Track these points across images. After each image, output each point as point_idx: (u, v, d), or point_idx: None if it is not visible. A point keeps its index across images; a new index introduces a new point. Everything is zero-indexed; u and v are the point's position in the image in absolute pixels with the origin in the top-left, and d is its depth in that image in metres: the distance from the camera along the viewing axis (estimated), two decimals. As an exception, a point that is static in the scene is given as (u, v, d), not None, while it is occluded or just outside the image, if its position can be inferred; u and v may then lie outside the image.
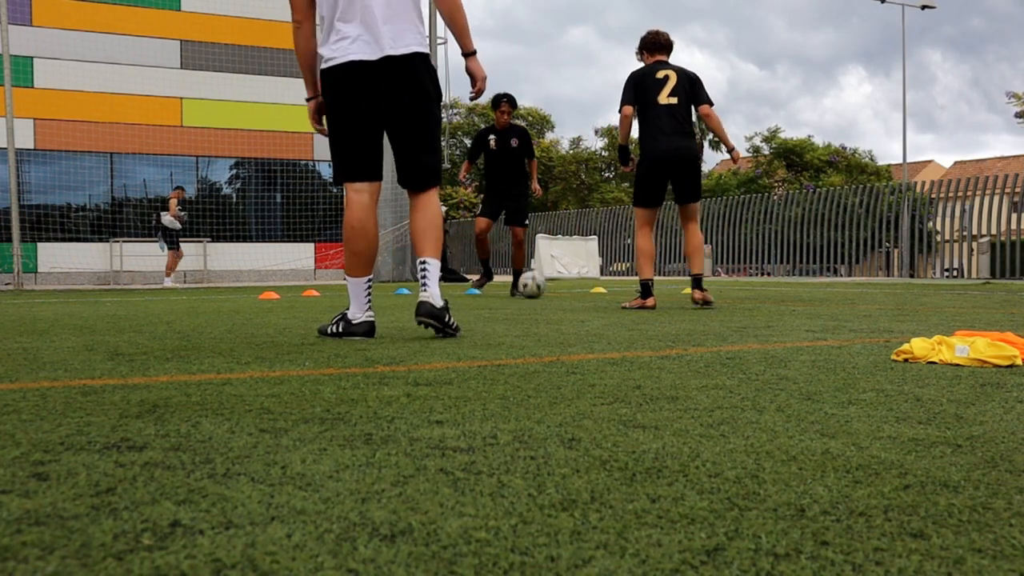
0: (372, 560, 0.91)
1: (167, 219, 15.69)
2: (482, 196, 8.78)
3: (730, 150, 6.28)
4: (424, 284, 3.58)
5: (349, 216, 3.66)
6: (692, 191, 6.15)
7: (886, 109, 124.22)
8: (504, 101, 8.56)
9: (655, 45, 6.20)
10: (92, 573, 0.88)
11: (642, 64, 6.23)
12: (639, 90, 6.02)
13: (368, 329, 3.64)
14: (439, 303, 3.56)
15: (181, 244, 16.21)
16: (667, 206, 27.09)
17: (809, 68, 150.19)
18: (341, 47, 3.55)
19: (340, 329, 3.64)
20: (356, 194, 3.68)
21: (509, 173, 8.77)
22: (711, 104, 6.18)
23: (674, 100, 6.02)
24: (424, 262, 3.62)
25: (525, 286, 7.94)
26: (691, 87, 6.08)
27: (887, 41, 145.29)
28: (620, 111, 6.08)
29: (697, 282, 6.09)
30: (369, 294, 3.67)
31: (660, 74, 6.04)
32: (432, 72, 3.67)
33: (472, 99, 3.93)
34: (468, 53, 3.78)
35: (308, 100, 3.81)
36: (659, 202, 6.21)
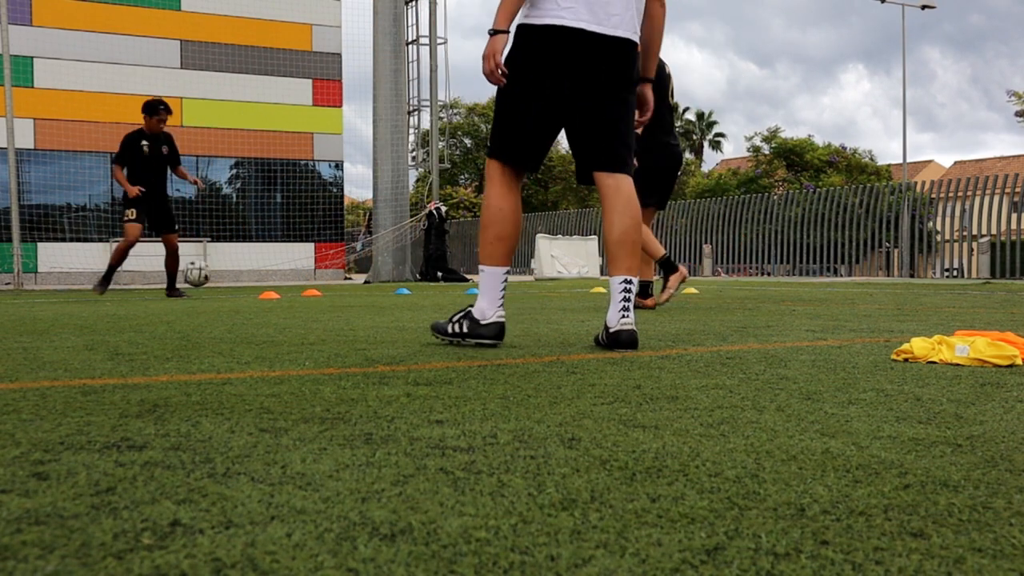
0: (372, 559, 0.91)
1: None
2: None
3: None
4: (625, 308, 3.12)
5: (499, 199, 3.23)
6: (665, 198, 6.21)
7: (886, 107, 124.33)
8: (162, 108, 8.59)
9: None
10: (92, 572, 0.88)
11: None
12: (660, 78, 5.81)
13: (499, 331, 3.19)
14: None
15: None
16: (680, 207, 27.10)
17: (809, 66, 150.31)
18: (585, 8, 3.08)
19: (464, 329, 3.19)
20: (502, 176, 3.25)
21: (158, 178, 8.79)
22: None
23: (675, 103, 6.05)
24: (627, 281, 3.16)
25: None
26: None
27: (887, 39, 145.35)
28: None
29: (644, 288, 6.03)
30: (504, 290, 3.24)
31: (667, 69, 5.98)
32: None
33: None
34: (647, 79, 3.41)
35: (495, 33, 3.12)
36: (663, 203, 6.22)
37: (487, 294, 3.20)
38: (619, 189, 3.23)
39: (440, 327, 3.31)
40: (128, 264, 17.76)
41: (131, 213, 8.68)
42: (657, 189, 6.06)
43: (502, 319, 3.22)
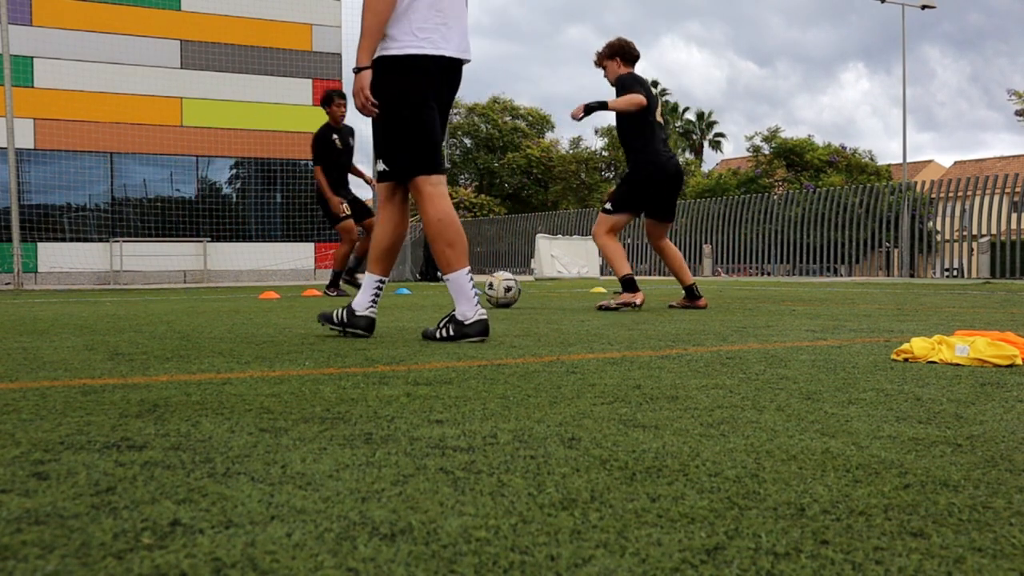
0: (372, 559, 0.91)
1: None
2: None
3: None
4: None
5: (438, 209, 3.49)
6: (673, 207, 6.24)
7: (885, 106, 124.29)
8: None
9: (632, 57, 6.09)
10: (92, 572, 0.88)
11: (603, 69, 6.12)
12: (647, 97, 5.88)
13: (484, 328, 3.43)
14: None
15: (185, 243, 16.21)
16: (680, 207, 27.06)
17: (810, 65, 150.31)
18: (440, 36, 3.48)
19: (452, 332, 3.42)
20: (435, 187, 3.52)
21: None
22: None
23: (661, 121, 6.05)
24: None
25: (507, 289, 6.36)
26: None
27: (887, 38, 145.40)
28: (634, 95, 5.81)
29: (691, 291, 6.01)
30: (473, 286, 3.49)
31: (656, 90, 6.03)
32: None
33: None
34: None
35: (360, 71, 3.47)
36: (670, 216, 6.22)
37: (462, 296, 3.44)
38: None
39: (429, 333, 3.54)
40: (128, 264, 17.84)
41: (345, 208, 8.60)
42: (646, 199, 6.07)
43: (484, 316, 3.44)
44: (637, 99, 5.79)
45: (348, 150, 8.64)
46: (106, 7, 17.51)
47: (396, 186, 3.64)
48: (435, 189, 3.53)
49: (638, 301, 5.70)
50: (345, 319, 3.66)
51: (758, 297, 8.05)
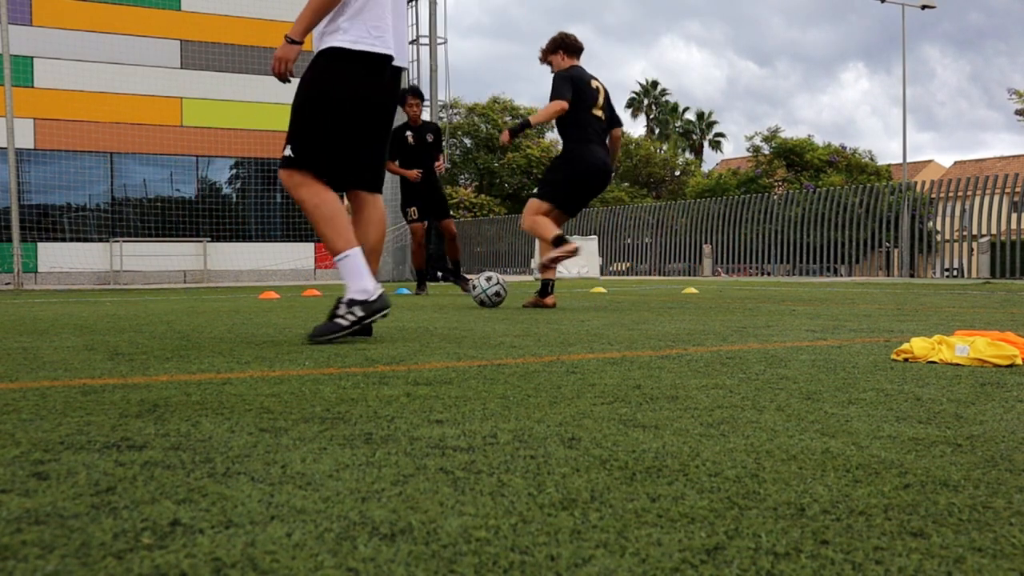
0: (372, 559, 0.91)
1: None
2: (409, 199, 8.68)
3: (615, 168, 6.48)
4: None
5: (331, 197, 3.50)
6: (583, 207, 6.27)
7: (885, 106, 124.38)
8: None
9: (574, 48, 6.04)
10: (92, 572, 0.88)
11: (549, 65, 6.07)
12: (576, 93, 5.86)
13: (386, 299, 3.43)
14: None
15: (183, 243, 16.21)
16: (680, 207, 27.10)
17: (809, 65, 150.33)
18: (391, 37, 3.51)
19: (363, 312, 3.34)
20: (302, 178, 3.52)
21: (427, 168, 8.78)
22: (621, 126, 6.27)
23: (601, 115, 6.01)
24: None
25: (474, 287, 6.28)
26: (610, 106, 6.10)
27: (887, 37, 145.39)
28: (556, 100, 5.79)
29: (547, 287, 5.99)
30: (363, 263, 3.46)
31: (593, 84, 5.98)
32: None
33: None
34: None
35: (294, 42, 3.46)
36: (576, 212, 6.23)
37: (360, 272, 3.38)
38: (378, 206, 3.71)
39: (330, 328, 3.34)
40: (128, 264, 17.84)
41: (412, 212, 8.65)
42: (572, 195, 6.06)
43: (382, 288, 3.43)
44: (556, 107, 5.81)
45: (425, 147, 8.65)
46: (106, 7, 17.50)
47: (355, 192, 3.70)
48: (301, 179, 3.50)
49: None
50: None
51: (758, 297, 8.05)
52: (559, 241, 5.72)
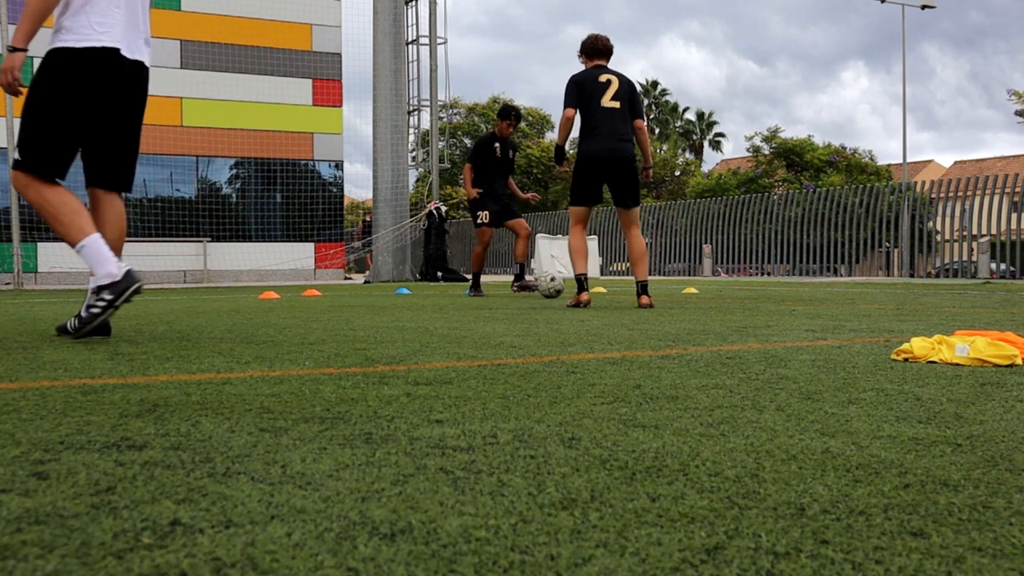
0: (372, 559, 0.91)
1: None
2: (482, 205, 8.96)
3: (647, 167, 6.59)
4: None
5: (55, 194, 3.52)
6: (629, 194, 6.23)
7: (885, 105, 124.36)
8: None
9: (595, 50, 6.26)
10: (92, 572, 0.88)
11: (583, 68, 6.30)
12: (581, 93, 6.08)
13: (134, 275, 3.41)
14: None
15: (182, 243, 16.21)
16: (680, 207, 27.10)
17: (809, 64, 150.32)
18: (119, 31, 3.49)
19: (112, 296, 3.37)
20: (29, 180, 3.51)
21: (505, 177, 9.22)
22: (643, 119, 6.35)
23: (616, 104, 6.09)
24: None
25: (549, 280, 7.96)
26: (631, 95, 6.18)
27: (887, 36, 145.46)
28: (563, 111, 6.14)
29: (643, 288, 6.07)
30: (106, 247, 3.47)
31: (603, 78, 6.12)
32: None
33: None
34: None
35: (16, 50, 3.52)
36: (592, 201, 6.31)
37: (101, 258, 3.39)
38: (114, 205, 3.76)
39: (82, 321, 3.42)
40: (128, 264, 17.82)
41: (484, 216, 8.89)
42: (579, 187, 6.23)
43: (127, 265, 3.43)
44: (563, 120, 6.16)
45: (507, 161, 9.02)
46: (106, 7, 17.49)
47: (91, 189, 3.71)
48: (27, 181, 3.50)
49: (584, 299, 6.01)
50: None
51: (758, 297, 8.05)
52: (580, 284, 6.18)
